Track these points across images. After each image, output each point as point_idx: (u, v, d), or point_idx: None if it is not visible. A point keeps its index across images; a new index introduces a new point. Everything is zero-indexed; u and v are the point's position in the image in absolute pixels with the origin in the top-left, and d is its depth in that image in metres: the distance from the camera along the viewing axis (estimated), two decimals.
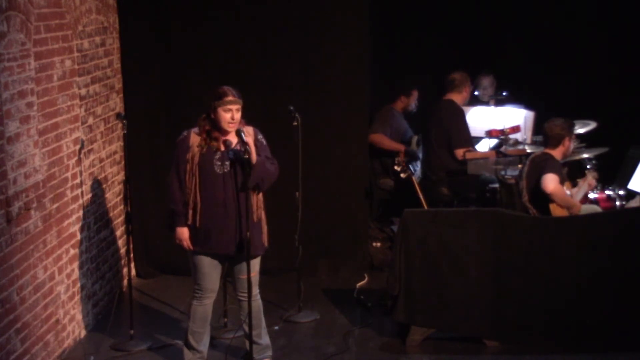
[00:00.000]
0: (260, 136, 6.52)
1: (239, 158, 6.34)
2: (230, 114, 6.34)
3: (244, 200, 6.34)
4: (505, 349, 7.02)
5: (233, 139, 6.41)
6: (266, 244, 6.61)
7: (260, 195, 6.52)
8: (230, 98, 6.34)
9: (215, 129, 6.40)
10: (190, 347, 6.63)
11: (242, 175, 6.35)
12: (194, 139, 6.42)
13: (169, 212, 6.52)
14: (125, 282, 7.64)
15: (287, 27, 8.50)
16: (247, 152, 6.26)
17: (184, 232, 6.46)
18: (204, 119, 6.44)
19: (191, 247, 6.46)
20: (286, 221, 7.76)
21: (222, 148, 6.38)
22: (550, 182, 7.48)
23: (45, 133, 6.69)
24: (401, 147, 9.45)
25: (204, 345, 6.65)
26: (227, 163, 6.37)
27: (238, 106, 6.38)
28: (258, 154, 6.40)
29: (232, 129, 6.37)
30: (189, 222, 6.42)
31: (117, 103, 8.44)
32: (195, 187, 6.38)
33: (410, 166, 8.64)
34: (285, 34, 8.51)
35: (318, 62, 8.55)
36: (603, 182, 8.43)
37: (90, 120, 7.70)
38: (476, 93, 9.79)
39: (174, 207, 6.45)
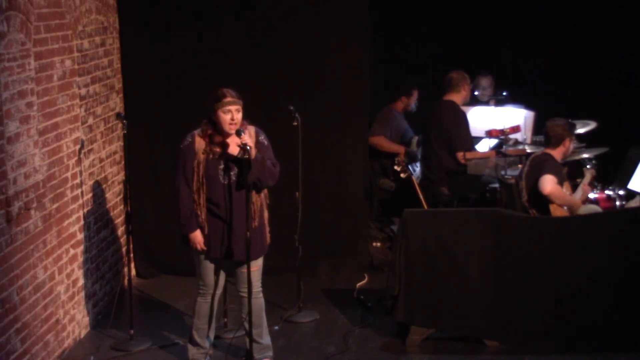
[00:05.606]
0: (262, 137, 6.50)
1: (237, 160, 6.35)
2: (230, 115, 6.32)
3: (247, 206, 6.34)
4: (505, 349, 7.01)
5: (235, 149, 6.39)
6: (268, 241, 6.63)
7: (263, 196, 6.52)
8: (228, 99, 6.32)
9: (217, 132, 6.39)
10: (194, 343, 6.68)
11: (242, 175, 6.35)
12: (199, 143, 6.39)
13: (180, 218, 6.44)
14: (125, 282, 7.63)
15: (288, 27, 8.50)
16: (247, 152, 6.27)
17: (197, 236, 6.44)
18: (206, 123, 6.42)
19: (204, 248, 6.45)
20: (286, 221, 7.75)
21: (230, 151, 6.37)
22: (547, 183, 7.47)
23: (45, 133, 6.69)
24: (401, 149, 9.45)
25: (208, 341, 6.70)
26: (232, 173, 6.37)
27: (237, 107, 6.36)
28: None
29: (233, 130, 6.36)
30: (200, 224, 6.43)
31: (117, 103, 8.44)
32: (203, 196, 6.39)
33: (410, 167, 8.63)
34: (286, 34, 8.50)
35: (318, 63, 8.55)
36: (603, 182, 8.43)
37: (90, 120, 7.70)
38: (476, 93, 9.78)
39: (185, 212, 6.40)
